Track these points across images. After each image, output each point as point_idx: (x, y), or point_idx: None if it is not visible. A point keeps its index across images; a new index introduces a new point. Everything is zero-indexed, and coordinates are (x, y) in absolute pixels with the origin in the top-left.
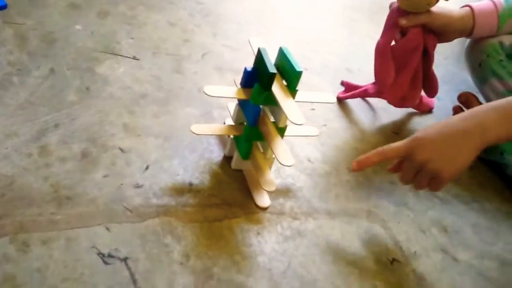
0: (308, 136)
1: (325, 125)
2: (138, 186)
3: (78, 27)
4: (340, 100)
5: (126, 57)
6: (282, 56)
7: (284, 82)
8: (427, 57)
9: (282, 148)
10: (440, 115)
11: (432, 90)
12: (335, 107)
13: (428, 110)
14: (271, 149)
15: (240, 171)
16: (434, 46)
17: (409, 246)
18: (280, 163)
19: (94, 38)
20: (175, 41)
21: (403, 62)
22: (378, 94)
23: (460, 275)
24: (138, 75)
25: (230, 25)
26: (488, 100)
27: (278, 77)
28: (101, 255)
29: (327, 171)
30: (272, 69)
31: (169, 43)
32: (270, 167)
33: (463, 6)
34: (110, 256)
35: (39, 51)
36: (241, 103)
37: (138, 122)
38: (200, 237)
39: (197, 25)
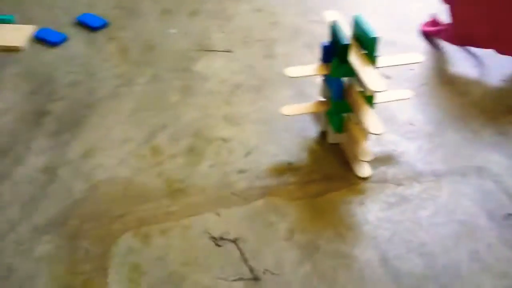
0: (401, 100)
1: (425, 83)
2: (241, 172)
3: (172, 30)
4: (426, 35)
5: (220, 51)
6: (357, 25)
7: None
8: None
9: (370, 117)
10: None
11: None
12: (436, 63)
13: None
14: (360, 120)
15: (337, 144)
16: None
17: None
18: (369, 132)
19: (188, 38)
20: (264, 27)
21: None
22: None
23: None
24: (232, 67)
25: (318, 1)
26: None
27: (355, 47)
28: (213, 238)
29: (430, 132)
30: (345, 41)
31: (258, 30)
32: (366, 137)
33: None
34: (221, 238)
35: (141, 60)
36: (325, 79)
37: (236, 112)
38: (304, 213)
39: (285, 6)
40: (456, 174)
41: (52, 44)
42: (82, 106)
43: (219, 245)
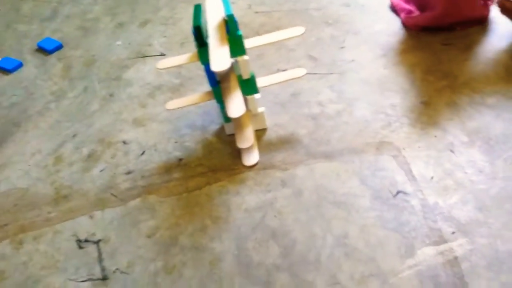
0: (294, 78)
1: (353, 60)
2: (129, 173)
3: (118, 42)
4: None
5: (154, 55)
6: (224, 5)
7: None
8: None
9: (232, 101)
10: None
11: None
12: (368, 39)
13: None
14: (225, 105)
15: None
16: None
17: (426, 172)
18: (229, 115)
19: (130, 48)
20: None
21: None
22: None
23: (490, 188)
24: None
25: None
26: None
27: (222, 29)
28: (78, 241)
29: (338, 110)
30: (196, 23)
31: None
32: (248, 124)
33: None
34: (86, 241)
35: (78, 75)
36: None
37: (147, 114)
38: (176, 209)
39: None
40: (352, 152)
41: (8, 71)
42: (12, 124)
43: (81, 247)
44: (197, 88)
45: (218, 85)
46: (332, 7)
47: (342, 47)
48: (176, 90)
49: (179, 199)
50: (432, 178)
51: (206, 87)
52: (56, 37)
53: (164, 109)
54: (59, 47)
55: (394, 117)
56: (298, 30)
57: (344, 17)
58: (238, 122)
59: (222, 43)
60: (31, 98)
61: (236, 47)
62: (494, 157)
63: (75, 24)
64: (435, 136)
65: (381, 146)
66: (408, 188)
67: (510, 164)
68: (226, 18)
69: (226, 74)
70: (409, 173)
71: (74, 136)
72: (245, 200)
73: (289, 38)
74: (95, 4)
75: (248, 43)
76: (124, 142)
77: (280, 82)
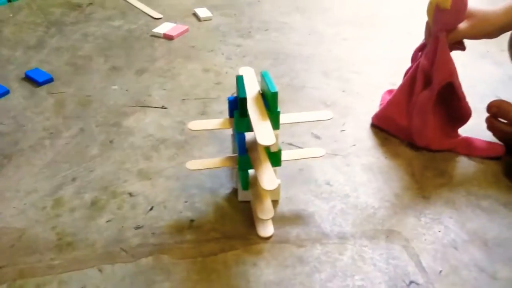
0: (314, 157)
1: (354, 145)
2: (138, 227)
3: (114, 87)
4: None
5: (155, 107)
6: (262, 80)
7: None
8: None
9: (265, 172)
10: None
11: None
12: (366, 127)
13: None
14: (257, 176)
15: (247, 202)
16: None
17: (434, 266)
18: (263, 187)
19: (127, 95)
20: (207, 86)
21: None
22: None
23: None
24: (163, 122)
25: (266, 61)
26: None
27: (259, 102)
28: None
29: (346, 193)
30: (242, 94)
31: (200, 89)
32: (267, 195)
33: None
34: None
35: (74, 114)
36: (234, 134)
37: (152, 167)
38: (191, 273)
39: (232, 67)
40: (364, 237)
41: None
42: (1, 156)
43: None
44: (203, 148)
45: (246, 154)
46: (328, 89)
47: (343, 130)
48: (181, 147)
49: (194, 263)
50: (440, 272)
51: (211, 148)
52: (44, 69)
53: (170, 164)
54: (50, 80)
55: (399, 208)
56: (327, 115)
57: (340, 101)
58: (257, 192)
59: (264, 118)
60: (21, 130)
61: (274, 122)
62: (493, 259)
63: (65, 58)
64: (439, 232)
65: (390, 234)
66: (420, 279)
67: (508, 267)
68: (263, 93)
69: (254, 145)
70: (419, 264)
71: (73, 179)
72: (264, 273)
73: (317, 121)
74: (85, 42)
75: (281, 119)
76: (130, 194)
77: (298, 159)
